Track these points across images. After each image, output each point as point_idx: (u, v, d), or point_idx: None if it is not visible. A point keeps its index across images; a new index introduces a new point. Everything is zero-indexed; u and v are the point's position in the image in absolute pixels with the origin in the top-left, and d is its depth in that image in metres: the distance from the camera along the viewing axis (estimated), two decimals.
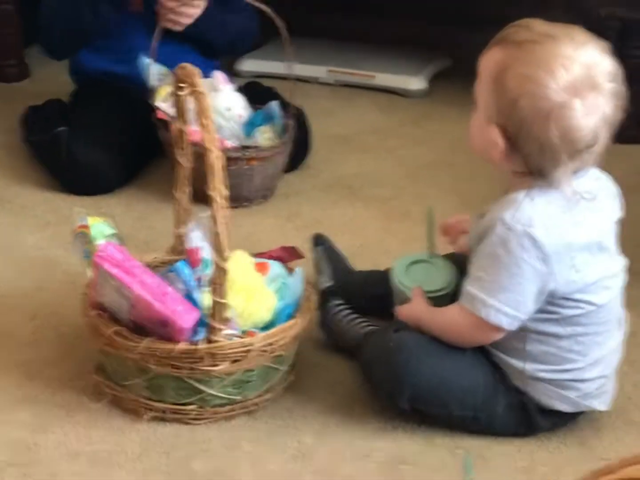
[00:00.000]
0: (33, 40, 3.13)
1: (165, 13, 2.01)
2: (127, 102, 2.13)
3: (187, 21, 2.06)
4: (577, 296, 1.24)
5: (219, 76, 2.05)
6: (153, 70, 2.03)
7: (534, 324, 1.26)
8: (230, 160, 1.93)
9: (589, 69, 1.16)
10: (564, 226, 1.21)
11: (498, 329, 1.25)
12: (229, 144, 1.98)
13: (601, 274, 1.25)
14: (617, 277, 1.30)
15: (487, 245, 1.23)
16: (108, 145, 2.04)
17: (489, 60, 1.22)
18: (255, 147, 1.99)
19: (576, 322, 1.26)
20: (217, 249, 1.20)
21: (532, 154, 1.19)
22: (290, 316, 1.37)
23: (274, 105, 2.07)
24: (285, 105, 2.10)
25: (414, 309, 1.38)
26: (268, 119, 2.06)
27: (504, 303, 1.23)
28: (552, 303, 1.24)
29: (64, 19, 2.12)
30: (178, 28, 2.06)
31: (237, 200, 2.02)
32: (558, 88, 1.15)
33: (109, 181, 2.06)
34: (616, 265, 1.30)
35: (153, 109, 2.02)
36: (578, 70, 1.15)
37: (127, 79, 2.17)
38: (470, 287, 1.26)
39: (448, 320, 1.31)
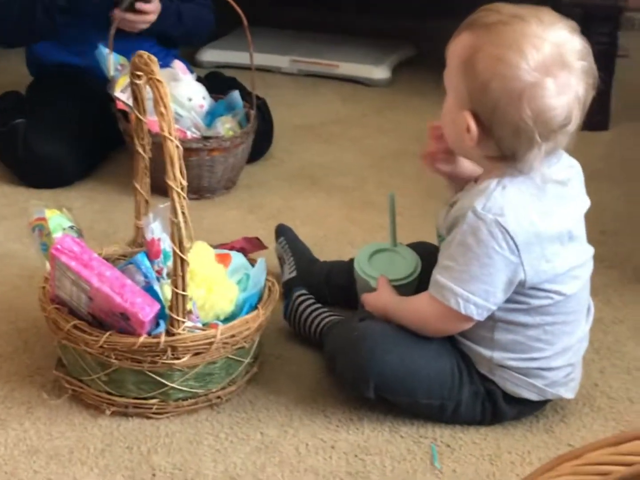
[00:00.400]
0: None
1: (120, 20, 1.99)
2: (85, 94, 2.10)
3: (143, 27, 2.04)
4: (547, 286, 1.24)
5: (178, 65, 2.03)
6: (111, 61, 2.00)
7: (503, 314, 1.25)
8: (192, 151, 1.91)
9: (559, 48, 1.15)
10: (535, 216, 1.20)
11: (467, 318, 1.24)
12: (190, 134, 1.95)
13: (571, 264, 1.25)
14: (586, 266, 1.29)
15: (458, 235, 1.21)
16: (66, 137, 2.01)
17: (458, 45, 1.20)
18: (217, 137, 1.96)
19: (545, 311, 1.26)
20: (177, 240, 1.18)
21: (505, 137, 1.17)
22: (252, 307, 1.36)
23: (235, 94, 2.05)
24: (247, 95, 2.09)
25: (380, 298, 1.36)
26: (229, 108, 2.04)
27: (473, 293, 1.22)
28: (521, 293, 1.24)
29: (16, 16, 2.07)
30: (134, 31, 2.04)
31: (199, 191, 2.00)
32: (529, 68, 1.13)
33: (67, 174, 2.03)
34: (585, 254, 1.29)
35: (112, 100, 1.99)
36: (548, 50, 1.14)
37: (85, 70, 2.14)
38: (439, 276, 1.25)
39: (416, 309, 1.30)
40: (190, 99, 1.99)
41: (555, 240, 1.22)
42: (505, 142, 1.18)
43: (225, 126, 1.99)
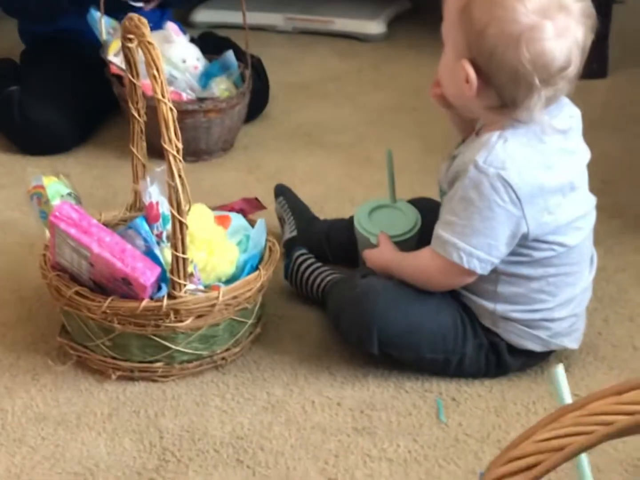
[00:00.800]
0: None
1: None
2: (79, 58, 2.08)
3: None
4: (550, 238, 1.23)
5: (171, 27, 2.00)
6: (103, 24, 1.98)
7: (505, 266, 1.25)
8: (187, 113, 1.90)
9: None
10: (537, 168, 1.19)
11: (470, 272, 1.24)
12: (185, 96, 1.94)
13: (573, 215, 1.24)
14: (589, 217, 1.29)
15: (459, 189, 1.20)
16: (62, 103, 1.99)
17: None
18: (212, 98, 1.95)
19: (548, 263, 1.25)
20: (175, 203, 1.17)
21: (505, 84, 1.16)
22: (254, 268, 1.35)
23: (229, 54, 2.03)
24: (241, 55, 2.06)
25: (382, 255, 1.36)
26: (224, 69, 2.02)
27: (476, 247, 1.21)
28: (524, 246, 1.23)
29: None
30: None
31: (197, 154, 1.99)
32: (527, 11, 1.12)
33: (64, 139, 2.02)
34: (587, 204, 1.28)
35: (106, 64, 1.97)
36: None
37: (77, 35, 2.11)
38: (441, 231, 1.24)
39: (418, 264, 1.30)
40: (184, 61, 1.97)
41: (557, 192, 1.21)
42: (505, 89, 1.16)
43: (221, 87, 1.97)
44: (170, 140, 1.15)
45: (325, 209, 1.77)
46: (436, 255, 1.25)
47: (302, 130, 2.17)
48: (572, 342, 1.33)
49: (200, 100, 1.94)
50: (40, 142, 1.99)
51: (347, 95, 2.35)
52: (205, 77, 1.99)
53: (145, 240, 1.30)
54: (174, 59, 1.95)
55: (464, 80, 1.18)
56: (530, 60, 1.13)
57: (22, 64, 2.21)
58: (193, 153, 1.96)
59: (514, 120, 1.19)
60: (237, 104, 1.99)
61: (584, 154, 1.27)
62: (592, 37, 1.17)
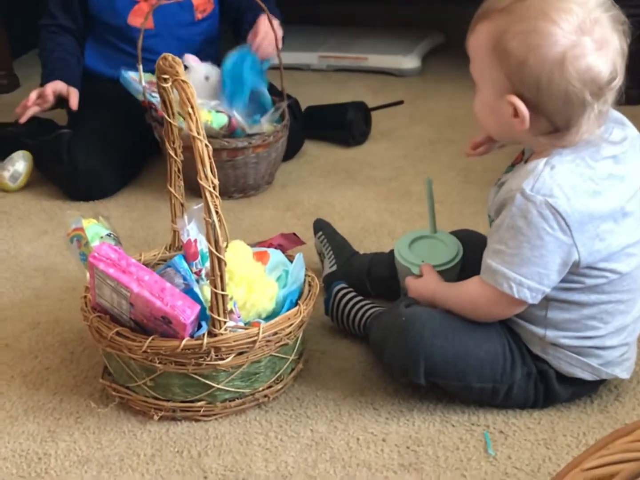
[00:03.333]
0: (22, 52, 3.13)
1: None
2: (123, 105, 2.10)
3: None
4: (602, 265, 1.20)
5: (190, 58, 2.03)
6: (135, 85, 2.02)
7: (557, 293, 1.22)
8: (238, 150, 1.93)
9: (583, 6, 1.12)
10: (585, 195, 1.16)
11: (520, 302, 1.21)
12: (239, 119, 1.95)
13: (626, 242, 1.21)
14: None
15: (507, 217, 1.18)
16: (107, 150, 2.03)
17: (479, 37, 1.17)
18: (260, 134, 1.97)
19: (600, 290, 1.22)
20: (213, 239, 1.17)
21: (557, 108, 1.14)
22: (293, 304, 1.34)
23: (262, 89, 2.06)
24: (278, 94, 2.09)
25: (427, 284, 1.34)
26: (259, 104, 2.05)
27: (526, 277, 1.19)
28: (575, 273, 1.20)
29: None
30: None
31: (245, 190, 2.01)
32: (563, 32, 1.10)
33: (108, 186, 2.06)
34: None
35: (146, 110, 2.00)
36: (575, 10, 1.11)
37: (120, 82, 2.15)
38: (490, 260, 1.22)
39: (466, 294, 1.28)
40: (207, 78, 2.00)
41: (608, 218, 1.18)
42: (558, 113, 1.14)
43: (265, 122, 2.00)
44: (206, 177, 1.14)
45: (365, 244, 1.77)
46: (485, 284, 1.23)
47: (339, 166, 2.17)
48: (623, 372, 1.30)
49: (250, 136, 1.95)
50: (84, 187, 2.02)
51: (383, 131, 2.35)
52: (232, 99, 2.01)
53: (184, 278, 1.30)
54: (196, 82, 1.96)
55: (510, 115, 1.16)
56: (578, 78, 1.11)
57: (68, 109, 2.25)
58: (241, 189, 1.99)
59: (567, 143, 1.17)
60: (282, 136, 2.02)
61: (636, 179, 1.23)
62: (628, 40, 1.15)
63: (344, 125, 2.23)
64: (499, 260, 1.20)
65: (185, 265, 1.31)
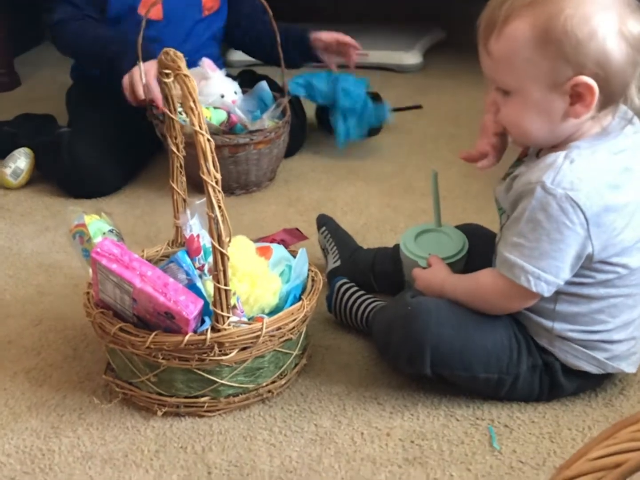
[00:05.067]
0: (23, 50, 3.14)
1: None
2: (122, 102, 2.10)
3: None
4: (614, 260, 1.20)
5: (206, 63, 2.02)
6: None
7: (567, 287, 1.21)
8: (240, 146, 1.93)
9: None
10: (604, 188, 1.15)
11: (534, 295, 1.21)
12: (240, 115, 1.95)
13: (638, 236, 1.20)
14: None
15: (527, 210, 1.17)
16: (108, 147, 2.02)
17: (514, 39, 1.12)
18: (262, 130, 1.96)
19: (610, 285, 1.22)
20: (215, 234, 1.17)
21: (621, 75, 1.11)
22: (297, 299, 1.34)
23: (263, 84, 2.07)
24: (279, 90, 2.09)
25: (435, 275, 1.33)
26: (259, 99, 2.05)
27: (544, 270, 1.18)
28: (589, 267, 1.20)
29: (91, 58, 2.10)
30: None
31: (246, 186, 2.01)
32: (606, 4, 1.10)
33: (109, 183, 2.05)
34: None
35: (148, 107, 2.00)
36: None
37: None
38: (508, 253, 1.21)
39: (477, 286, 1.27)
40: (222, 96, 1.98)
41: (624, 212, 1.17)
42: (622, 80, 1.12)
43: (267, 118, 2.00)
44: (208, 172, 1.14)
45: (368, 239, 1.76)
46: (500, 277, 1.22)
47: (341, 162, 2.17)
48: (629, 367, 1.29)
49: (251, 133, 1.95)
50: (86, 185, 2.02)
51: (385, 126, 2.35)
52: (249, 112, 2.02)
53: (187, 273, 1.30)
54: (212, 98, 1.97)
55: (566, 105, 1.13)
56: (633, 41, 1.10)
57: (70, 105, 2.25)
58: (243, 186, 1.99)
59: (597, 128, 1.16)
60: (283, 132, 2.02)
61: None
62: None
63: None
64: (518, 253, 1.19)
65: (188, 260, 1.31)
